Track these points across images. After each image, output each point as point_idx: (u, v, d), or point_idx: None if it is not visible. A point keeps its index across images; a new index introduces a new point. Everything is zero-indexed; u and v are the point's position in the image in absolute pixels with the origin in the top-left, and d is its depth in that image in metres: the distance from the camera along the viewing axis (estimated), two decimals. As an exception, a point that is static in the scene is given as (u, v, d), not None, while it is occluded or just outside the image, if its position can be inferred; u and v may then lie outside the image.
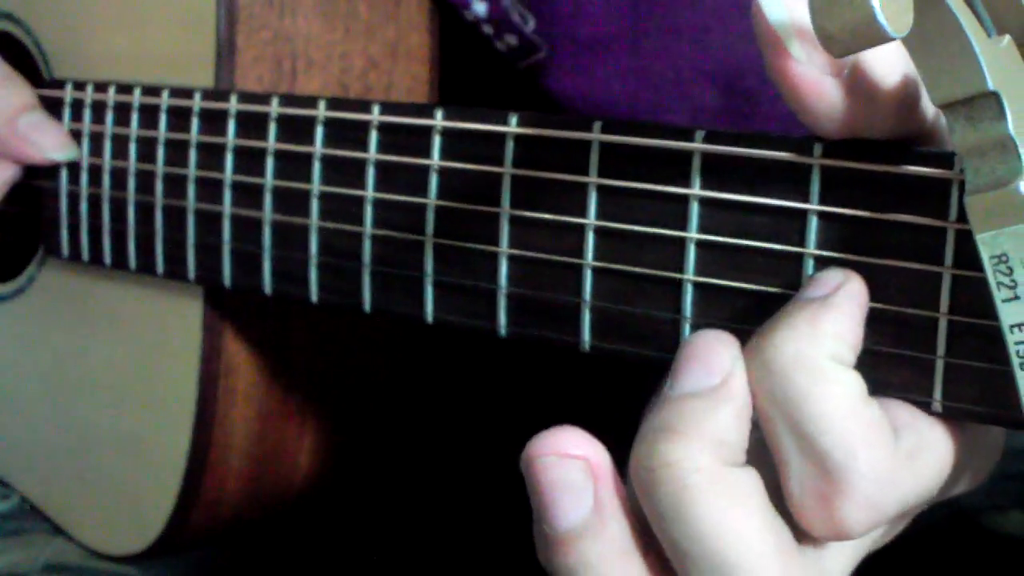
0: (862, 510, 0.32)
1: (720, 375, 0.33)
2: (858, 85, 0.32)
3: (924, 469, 0.34)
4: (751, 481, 0.33)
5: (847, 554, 0.35)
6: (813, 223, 0.35)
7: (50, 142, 0.60)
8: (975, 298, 0.33)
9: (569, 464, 0.34)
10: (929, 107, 0.34)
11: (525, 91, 0.61)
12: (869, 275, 0.35)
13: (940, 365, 0.34)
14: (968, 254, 0.33)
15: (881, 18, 0.26)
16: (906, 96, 0.33)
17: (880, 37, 0.26)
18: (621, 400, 0.41)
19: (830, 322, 0.33)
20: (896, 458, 0.33)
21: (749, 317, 0.37)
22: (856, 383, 0.33)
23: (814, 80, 0.32)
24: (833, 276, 0.34)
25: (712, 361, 0.34)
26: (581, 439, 0.34)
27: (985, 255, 0.31)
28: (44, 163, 0.61)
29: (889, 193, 0.34)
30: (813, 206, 0.35)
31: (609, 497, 0.34)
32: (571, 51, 0.57)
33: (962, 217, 0.33)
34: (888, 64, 0.33)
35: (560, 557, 0.34)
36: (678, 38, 0.54)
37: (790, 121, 0.37)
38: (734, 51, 0.54)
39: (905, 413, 0.34)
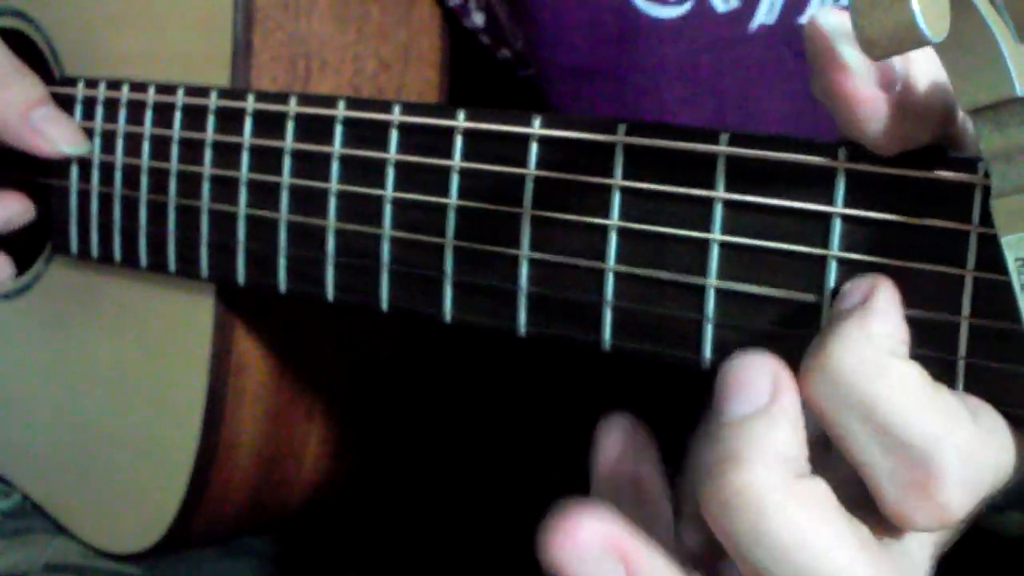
0: (959, 489, 0.33)
1: (768, 393, 0.34)
2: (908, 101, 0.33)
3: (1006, 441, 0.34)
4: (822, 489, 0.33)
5: (929, 543, 0.36)
6: (837, 226, 0.36)
7: (63, 135, 0.61)
8: (996, 301, 0.34)
9: (593, 556, 0.34)
10: (959, 114, 0.35)
11: (529, 98, 0.61)
12: (892, 277, 0.35)
13: (961, 366, 0.34)
14: (990, 258, 0.34)
15: (921, 22, 0.26)
16: (947, 108, 0.34)
17: (919, 41, 0.27)
18: (629, 401, 0.42)
19: (878, 323, 0.34)
20: (978, 434, 0.33)
21: (772, 318, 0.37)
22: (920, 372, 0.33)
23: (871, 96, 0.32)
24: (864, 281, 0.35)
25: (756, 381, 0.34)
26: (592, 518, 0.34)
27: (1010, 257, 0.31)
28: (56, 156, 0.61)
29: (913, 197, 0.35)
30: (837, 209, 0.36)
31: (643, 560, 0.34)
32: (555, 75, 0.58)
33: (985, 221, 0.34)
34: (932, 79, 0.33)
35: None
36: (663, 71, 0.54)
37: None
38: (719, 84, 0.54)
39: (974, 398, 0.34)
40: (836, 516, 0.33)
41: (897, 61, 0.32)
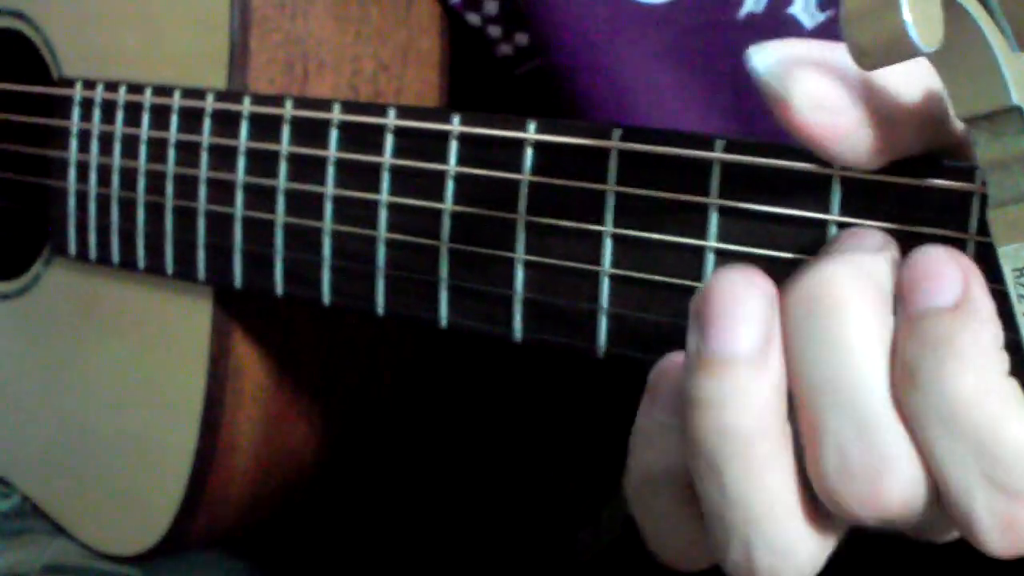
0: None
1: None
2: (876, 114, 0.32)
3: None
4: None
5: None
6: (833, 234, 0.36)
7: None
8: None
9: (757, 290, 0.32)
10: (958, 121, 0.34)
11: (529, 96, 0.61)
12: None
13: (958, 376, 0.34)
14: (987, 267, 0.33)
15: (913, 33, 0.26)
16: (930, 114, 0.33)
17: (911, 51, 0.27)
18: (631, 407, 0.42)
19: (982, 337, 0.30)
20: None
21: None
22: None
23: (821, 123, 0.31)
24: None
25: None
26: (768, 281, 0.33)
27: (1007, 268, 0.31)
28: None
29: (910, 205, 0.34)
30: (833, 217, 0.36)
31: (779, 336, 0.32)
32: (552, 72, 0.57)
33: (982, 230, 0.33)
34: (905, 85, 0.32)
35: (720, 381, 0.32)
36: (655, 57, 0.54)
37: (786, 137, 0.37)
38: (711, 69, 0.54)
39: None
40: None
41: (857, 81, 0.31)
